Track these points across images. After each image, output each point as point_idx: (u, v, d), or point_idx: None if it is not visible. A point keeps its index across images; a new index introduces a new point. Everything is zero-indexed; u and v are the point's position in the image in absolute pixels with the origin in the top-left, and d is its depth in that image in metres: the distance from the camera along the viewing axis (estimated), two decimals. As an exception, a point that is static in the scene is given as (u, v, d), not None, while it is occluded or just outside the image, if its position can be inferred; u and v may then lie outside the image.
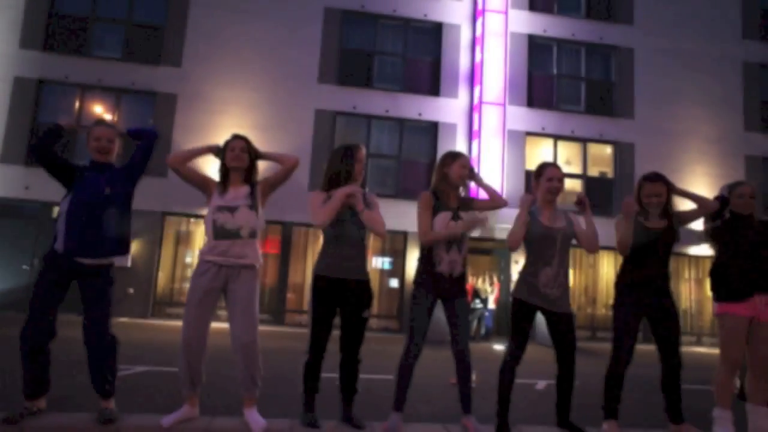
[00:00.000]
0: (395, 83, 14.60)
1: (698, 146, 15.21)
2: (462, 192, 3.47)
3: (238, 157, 3.34)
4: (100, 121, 3.49)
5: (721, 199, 3.70)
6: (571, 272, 14.25)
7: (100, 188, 3.16)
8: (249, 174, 3.41)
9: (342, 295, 3.20)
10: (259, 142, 14.19)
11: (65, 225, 3.08)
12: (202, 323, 3.15)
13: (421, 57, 14.84)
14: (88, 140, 3.28)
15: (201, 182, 3.34)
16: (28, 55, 13.02)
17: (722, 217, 3.63)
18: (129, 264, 12.27)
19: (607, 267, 14.54)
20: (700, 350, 12.85)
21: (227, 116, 13.32)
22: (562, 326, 3.30)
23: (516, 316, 3.33)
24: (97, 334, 3.11)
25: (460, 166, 3.37)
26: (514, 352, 3.27)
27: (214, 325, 3.25)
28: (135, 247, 12.59)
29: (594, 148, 15.16)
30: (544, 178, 3.47)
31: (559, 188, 3.45)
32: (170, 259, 13.28)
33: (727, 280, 3.45)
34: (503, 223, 10.23)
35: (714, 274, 3.56)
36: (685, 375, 3.38)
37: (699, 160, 15.14)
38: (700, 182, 14.73)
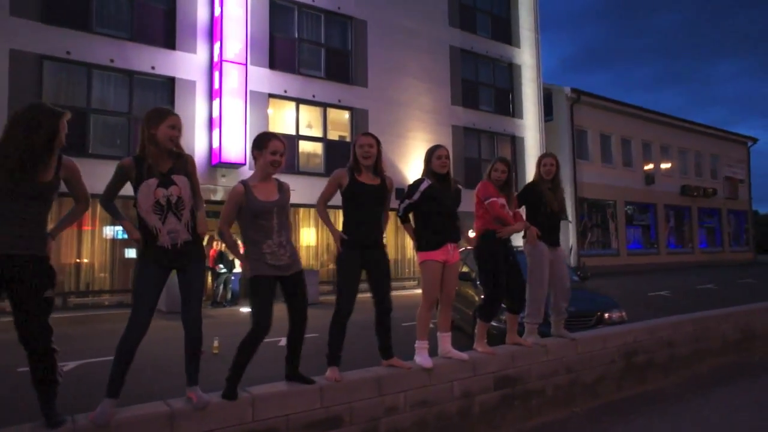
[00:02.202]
0: (121, 29, 12.85)
1: (418, 115, 17.46)
2: (177, 150, 3.06)
3: None
4: None
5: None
6: (313, 231, 15.21)
7: None
8: None
9: (10, 275, 2.62)
10: None
11: None
12: None
13: (152, 3, 13.33)
14: None
15: None
16: None
17: (411, 197, 4.07)
18: None
19: (347, 224, 15.77)
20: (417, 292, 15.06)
21: None
22: (295, 286, 3.40)
23: (256, 291, 3.27)
24: None
25: (168, 128, 3.00)
26: (261, 325, 3.20)
27: None
28: None
29: (333, 113, 16.05)
30: (268, 151, 3.34)
31: (281, 162, 3.38)
32: None
33: (426, 234, 4.08)
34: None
35: (416, 230, 4.17)
36: (396, 315, 3.90)
37: (419, 127, 17.42)
38: (419, 146, 16.99)
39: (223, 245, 12.89)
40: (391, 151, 16.41)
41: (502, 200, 4.47)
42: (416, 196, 4.06)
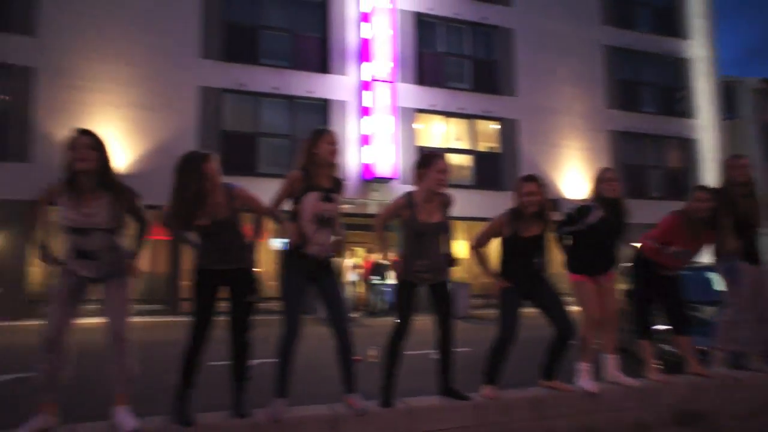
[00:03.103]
0: (283, 59, 14.17)
1: (571, 122, 16.48)
2: (334, 172, 3.34)
3: (84, 156, 2.80)
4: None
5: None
6: (465, 243, 15.08)
7: None
8: (103, 178, 2.89)
9: (226, 283, 3.12)
10: (137, 121, 13.01)
11: None
12: (63, 324, 2.88)
13: (309, 33, 14.52)
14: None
15: (50, 200, 2.92)
16: None
17: (576, 224, 3.77)
18: (-10, 261, 10.96)
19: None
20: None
21: (99, 93, 12.15)
22: (438, 294, 3.42)
23: (400, 293, 3.39)
24: None
25: (328, 143, 3.26)
26: (401, 328, 3.32)
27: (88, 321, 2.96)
28: (-4, 241, 11.22)
29: (481, 125, 15.86)
30: (435, 169, 3.36)
31: (446, 181, 3.38)
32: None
33: (579, 261, 3.79)
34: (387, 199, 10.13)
35: (570, 249, 3.87)
36: (545, 334, 3.62)
37: (572, 135, 16.42)
38: (574, 156, 16.02)
39: (379, 256, 13.38)
40: (543, 161, 15.71)
41: (674, 248, 3.94)
42: (582, 226, 3.78)
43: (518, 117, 15.83)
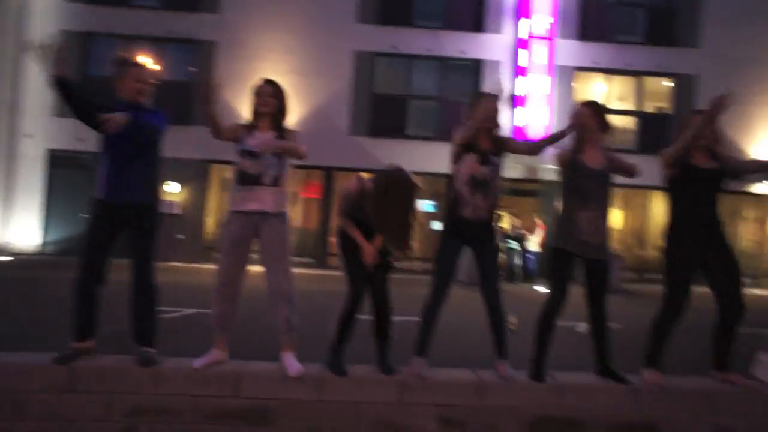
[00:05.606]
0: (437, 20, 13.96)
1: (766, 76, 13.90)
2: (496, 133, 3.33)
3: (266, 102, 3.27)
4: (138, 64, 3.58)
5: None
6: (620, 213, 13.89)
7: (131, 137, 3.13)
8: (277, 120, 3.31)
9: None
10: (298, 87, 13.84)
11: (105, 172, 3.16)
12: (234, 271, 3.19)
13: (464, -10, 14.05)
14: (124, 81, 3.24)
15: (233, 135, 3.28)
16: (76, 9, 13.16)
17: None
18: (180, 211, 12.73)
19: (658, 207, 13.99)
20: (757, 292, 12.24)
21: (267, 62, 13.17)
22: (597, 273, 3.21)
23: (554, 262, 3.24)
24: (140, 279, 3.21)
25: (484, 108, 3.23)
26: (555, 301, 3.15)
27: (255, 269, 3.25)
28: (184, 194, 12.97)
29: (651, 83, 14.21)
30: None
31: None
32: (217, 205, 13.65)
33: None
34: (547, 164, 9.75)
35: None
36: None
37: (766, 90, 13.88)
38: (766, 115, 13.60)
39: (505, 220, 12.79)
40: (726, 121, 13.56)
41: None
42: None
43: (699, 72, 13.79)
